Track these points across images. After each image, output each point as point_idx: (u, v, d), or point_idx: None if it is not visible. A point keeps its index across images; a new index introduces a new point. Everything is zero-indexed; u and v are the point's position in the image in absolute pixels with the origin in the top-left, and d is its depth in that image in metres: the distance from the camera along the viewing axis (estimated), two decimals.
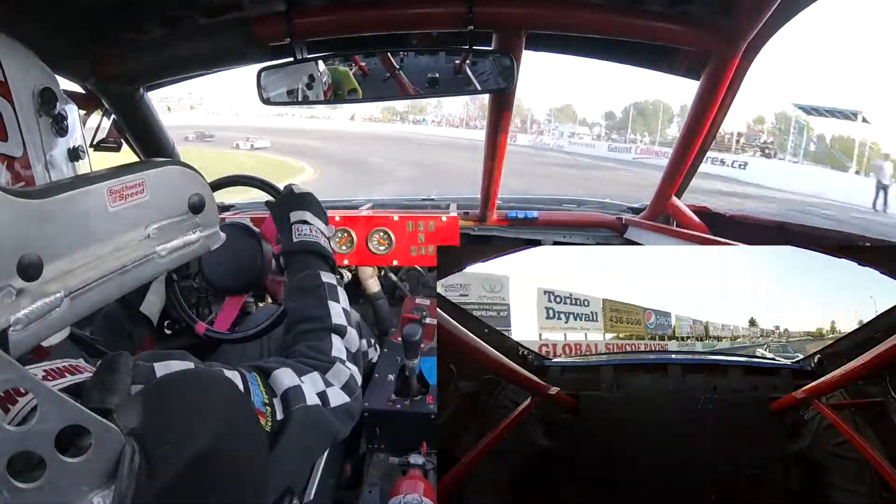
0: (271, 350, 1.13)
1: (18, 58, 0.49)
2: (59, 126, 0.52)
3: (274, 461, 0.53)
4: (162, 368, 0.47)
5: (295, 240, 0.83)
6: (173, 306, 1.08)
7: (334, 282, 0.81)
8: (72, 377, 0.44)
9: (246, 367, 0.57)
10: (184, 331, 1.17)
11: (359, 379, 0.71)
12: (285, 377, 0.59)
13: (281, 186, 0.97)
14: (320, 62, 1.09)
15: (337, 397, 0.64)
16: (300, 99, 1.10)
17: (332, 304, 0.76)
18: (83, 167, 0.57)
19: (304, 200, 0.90)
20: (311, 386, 0.62)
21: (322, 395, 0.62)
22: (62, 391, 0.33)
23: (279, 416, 0.55)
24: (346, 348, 0.73)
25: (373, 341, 1.31)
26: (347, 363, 0.70)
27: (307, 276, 0.80)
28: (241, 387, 0.53)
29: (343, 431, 0.65)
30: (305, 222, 0.87)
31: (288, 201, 0.90)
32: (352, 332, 0.75)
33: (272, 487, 0.54)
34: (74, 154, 0.55)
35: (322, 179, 14.29)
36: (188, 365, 0.49)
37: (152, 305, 1.07)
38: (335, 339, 0.72)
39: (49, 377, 0.43)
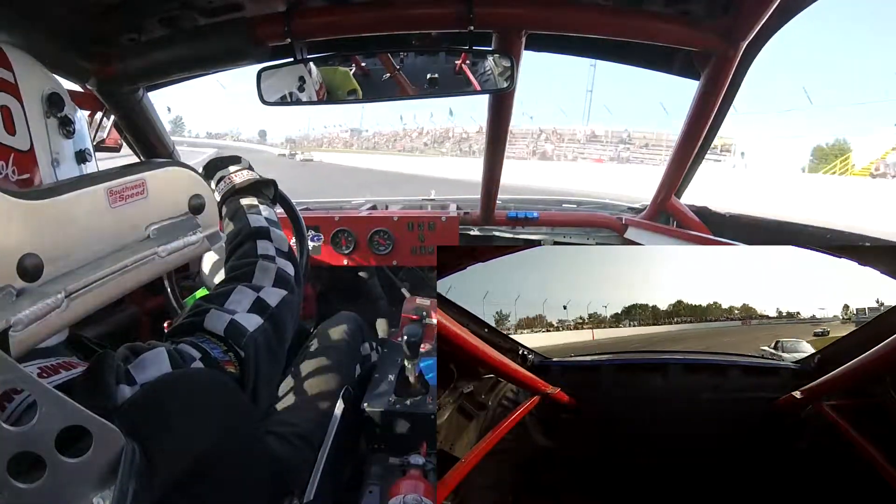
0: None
1: (28, 65, 0.52)
2: (66, 129, 0.54)
3: (252, 397, 0.55)
4: (135, 369, 0.46)
5: (218, 199, 0.84)
6: (174, 308, 1.08)
7: (254, 202, 0.82)
8: (66, 373, 0.45)
9: (189, 336, 0.57)
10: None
11: (290, 271, 0.71)
12: (215, 318, 0.59)
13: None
14: (318, 62, 1.09)
15: (273, 295, 0.65)
16: (300, 100, 1.10)
17: (251, 216, 0.77)
18: (89, 170, 0.58)
19: (210, 165, 0.90)
20: (240, 306, 0.62)
21: (257, 304, 0.63)
22: (58, 388, 0.33)
23: (242, 354, 0.56)
24: (276, 248, 0.73)
25: (374, 344, 1.31)
26: (277, 258, 0.71)
27: (230, 209, 0.81)
28: (200, 353, 0.53)
29: (295, 322, 0.67)
30: (223, 179, 0.86)
31: (206, 174, 0.89)
32: (277, 233, 0.76)
33: (268, 459, 0.55)
34: (81, 156, 0.57)
35: None
36: (159, 354, 0.48)
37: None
38: (259, 242, 0.73)
39: (44, 374, 0.43)
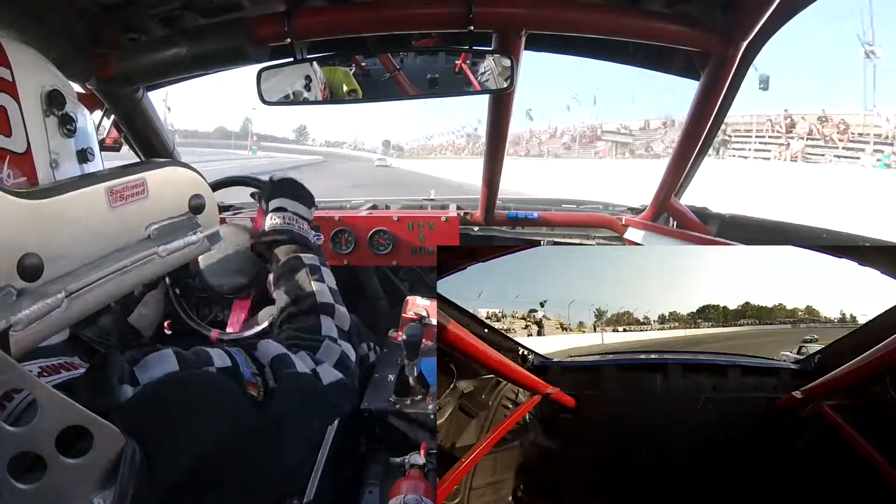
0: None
1: (28, 61, 0.50)
2: (67, 127, 0.52)
3: (269, 427, 0.52)
4: (139, 369, 0.46)
5: (267, 229, 0.83)
6: (180, 318, 1.08)
7: (317, 262, 0.80)
8: (67, 373, 0.45)
9: (231, 345, 0.57)
10: (183, 331, 1.17)
11: (352, 356, 0.70)
12: (271, 347, 0.58)
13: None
14: (319, 62, 1.09)
15: (329, 374, 0.64)
16: (300, 100, 1.10)
17: (315, 283, 0.76)
18: (92, 169, 0.56)
19: (282, 186, 0.90)
20: (300, 361, 0.61)
21: (314, 372, 0.62)
22: (57, 387, 0.33)
23: (271, 384, 0.54)
24: (338, 326, 0.72)
25: (372, 344, 1.31)
26: (339, 341, 0.69)
27: (288, 261, 0.79)
28: (228, 363, 0.53)
29: (342, 408, 0.65)
30: (281, 209, 0.86)
31: (267, 191, 0.90)
32: (341, 310, 0.75)
33: (269, 462, 0.53)
34: (83, 156, 0.55)
35: None
36: (164, 355, 0.48)
37: (143, 318, 1.06)
38: (323, 318, 0.71)
39: (44, 374, 0.43)
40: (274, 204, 0.87)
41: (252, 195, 0.95)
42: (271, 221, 0.84)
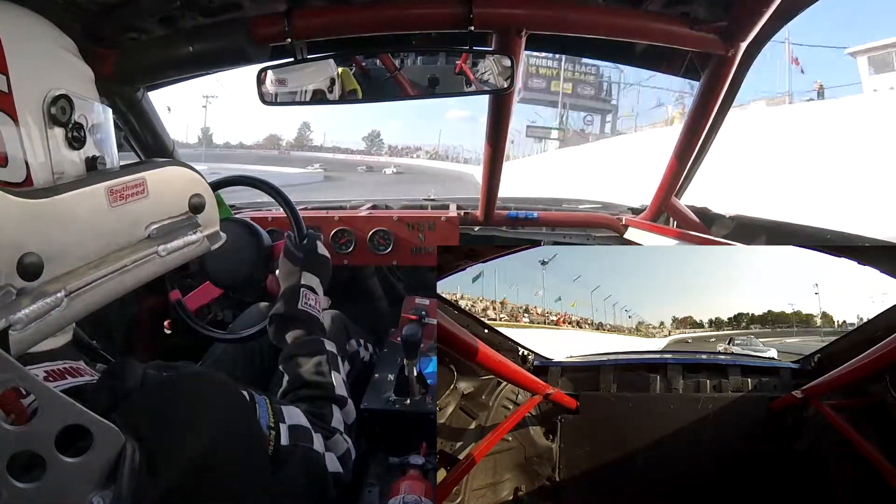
0: (264, 349, 1.13)
1: (30, 62, 0.44)
2: (74, 136, 0.47)
3: (271, 486, 0.51)
4: None
5: (300, 307, 0.83)
6: (180, 317, 1.09)
7: (335, 351, 0.81)
8: (73, 379, 0.44)
9: (256, 391, 0.57)
10: (183, 331, 1.17)
11: (353, 454, 0.71)
12: (297, 416, 0.58)
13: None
14: (319, 62, 1.09)
15: (333, 465, 0.64)
16: (300, 99, 1.10)
17: (334, 374, 0.76)
18: None
19: (323, 265, 0.92)
20: (318, 441, 0.61)
21: (324, 456, 0.62)
22: (63, 393, 0.33)
23: (283, 442, 0.54)
24: (344, 420, 0.73)
25: (362, 341, 1.31)
26: (345, 436, 0.70)
27: (311, 341, 0.80)
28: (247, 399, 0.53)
29: (331, 497, 0.63)
30: (314, 291, 0.87)
31: (308, 256, 0.90)
32: (350, 405, 0.75)
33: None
34: (92, 164, 0.49)
35: None
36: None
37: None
38: (335, 409, 0.72)
39: (50, 378, 0.43)
40: (309, 279, 0.88)
41: (287, 237, 0.95)
42: (305, 302, 0.84)
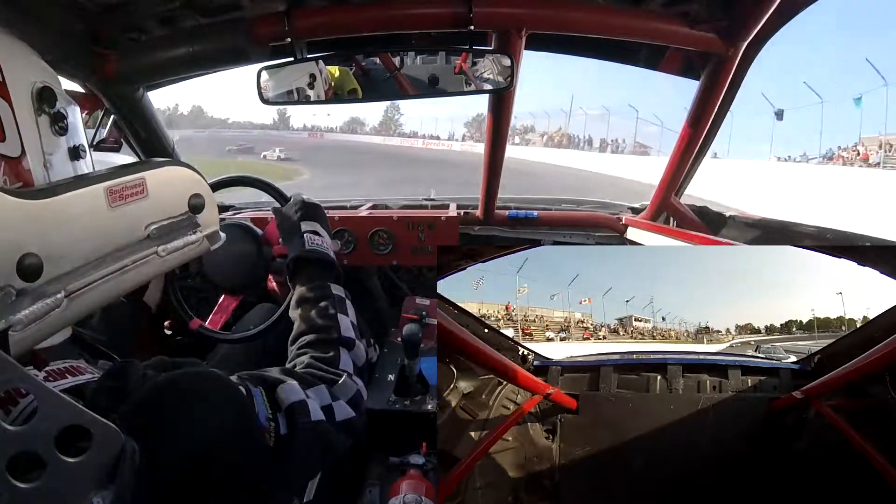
0: (268, 349, 1.13)
1: (18, 57, 0.48)
2: (59, 125, 0.51)
3: (276, 475, 0.52)
4: None
5: (307, 247, 0.83)
6: (170, 302, 1.08)
7: (343, 294, 0.80)
8: (73, 378, 0.45)
9: (251, 380, 0.56)
10: (183, 331, 1.18)
11: (364, 394, 0.70)
12: (291, 392, 0.58)
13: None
14: (320, 62, 1.09)
15: (342, 411, 0.63)
16: (300, 99, 1.10)
17: (340, 316, 0.75)
18: (84, 166, 0.55)
19: (317, 212, 0.90)
20: (316, 400, 0.61)
21: (328, 409, 0.61)
22: (63, 392, 0.33)
23: (282, 431, 0.54)
24: (353, 362, 0.72)
25: (372, 341, 1.31)
26: (354, 377, 0.69)
27: (316, 286, 0.79)
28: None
29: (344, 447, 0.64)
30: (317, 233, 0.86)
31: (299, 209, 0.90)
32: (359, 346, 0.75)
33: (273, 500, 0.54)
34: (75, 153, 0.53)
35: None
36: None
37: (152, 295, 1.08)
38: (343, 351, 0.71)
39: (50, 378, 0.43)
40: (309, 225, 0.87)
41: (274, 209, 0.95)
42: (311, 243, 0.84)
